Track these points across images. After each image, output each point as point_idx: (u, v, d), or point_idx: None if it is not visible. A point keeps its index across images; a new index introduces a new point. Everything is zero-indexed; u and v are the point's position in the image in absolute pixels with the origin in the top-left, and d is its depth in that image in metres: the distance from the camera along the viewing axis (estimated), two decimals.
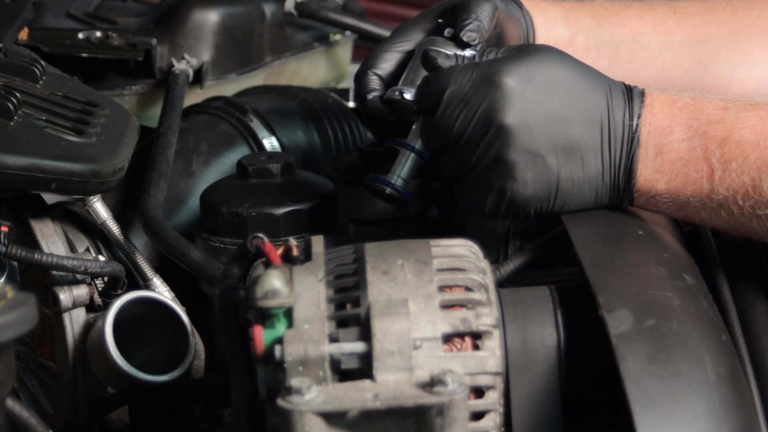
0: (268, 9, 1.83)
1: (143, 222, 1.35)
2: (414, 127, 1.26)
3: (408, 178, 1.24)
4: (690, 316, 0.97)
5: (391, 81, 1.30)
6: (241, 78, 1.78)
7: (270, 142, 1.57)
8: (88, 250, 1.38)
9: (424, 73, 1.23)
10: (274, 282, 0.96)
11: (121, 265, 1.33)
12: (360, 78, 1.31)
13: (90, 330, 1.29)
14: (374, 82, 1.31)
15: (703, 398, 0.91)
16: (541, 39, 1.38)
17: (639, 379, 0.91)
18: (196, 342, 1.30)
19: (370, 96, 1.29)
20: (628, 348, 0.93)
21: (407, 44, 1.32)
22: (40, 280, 1.32)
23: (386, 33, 1.90)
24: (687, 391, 0.91)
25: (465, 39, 1.25)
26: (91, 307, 1.32)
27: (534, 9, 1.39)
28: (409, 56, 1.30)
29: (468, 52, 1.25)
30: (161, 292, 1.36)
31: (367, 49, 2.01)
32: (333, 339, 0.96)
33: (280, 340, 0.95)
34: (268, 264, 1.01)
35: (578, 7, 1.41)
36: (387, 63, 1.31)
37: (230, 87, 1.75)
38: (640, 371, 0.92)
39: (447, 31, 1.27)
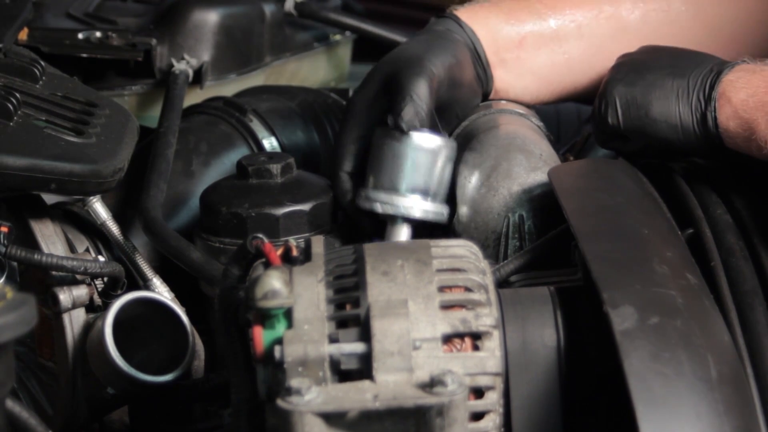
0: (268, 9, 1.83)
1: (143, 222, 1.35)
2: (388, 227, 1.29)
3: None
4: (693, 314, 0.97)
5: (362, 174, 1.32)
6: (241, 78, 1.78)
7: (270, 143, 1.56)
8: (87, 250, 1.38)
9: (386, 166, 1.27)
10: (273, 282, 0.96)
11: (121, 265, 1.33)
12: (333, 180, 1.35)
13: (90, 330, 1.29)
14: (345, 184, 1.33)
15: (706, 397, 0.91)
16: (490, 49, 1.40)
17: (642, 376, 0.91)
18: (196, 342, 1.30)
19: (343, 202, 1.34)
20: (632, 345, 0.93)
21: (363, 130, 1.33)
22: (39, 281, 1.32)
23: (386, 33, 1.91)
24: (690, 390, 0.91)
25: (404, 128, 1.26)
26: (90, 307, 1.32)
27: (475, 21, 1.40)
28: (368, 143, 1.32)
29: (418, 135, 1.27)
30: (161, 292, 1.36)
31: (367, 49, 2.02)
32: (333, 339, 0.95)
33: (279, 341, 0.95)
34: (267, 264, 1.01)
35: (516, 6, 1.43)
36: (351, 157, 1.34)
37: (230, 87, 1.75)
38: (644, 369, 0.92)
39: (389, 119, 1.27)
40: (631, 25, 1.44)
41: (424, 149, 1.27)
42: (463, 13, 1.41)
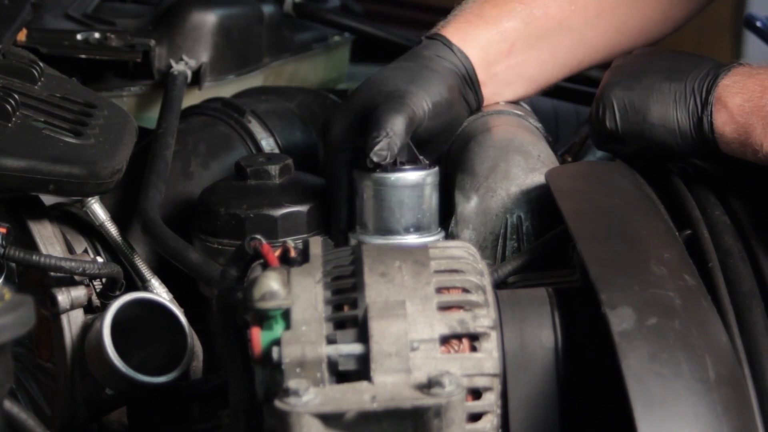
0: (267, 10, 1.83)
1: (141, 223, 1.35)
2: None
3: None
4: (691, 315, 0.97)
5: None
6: (240, 79, 1.78)
7: (268, 144, 1.57)
8: (86, 251, 1.39)
9: (374, 210, 1.25)
10: (271, 284, 0.96)
11: (119, 266, 1.33)
12: (331, 212, 1.33)
13: (88, 331, 1.29)
14: (343, 212, 1.31)
15: (704, 398, 0.91)
16: (481, 67, 1.39)
17: (641, 377, 0.91)
18: (194, 343, 1.30)
19: (337, 229, 1.32)
20: (630, 345, 0.93)
21: (344, 158, 1.31)
22: (38, 282, 1.32)
23: (385, 34, 1.91)
24: (688, 391, 0.91)
25: (375, 160, 1.23)
26: (89, 308, 1.32)
27: (465, 42, 1.39)
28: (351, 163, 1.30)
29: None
30: (159, 293, 1.36)
31: (366, 50, 2.02)
32: (330, 340, 0.95)
33: (277, 342, 0.95)
34: (265, 265, 1.01)
35: (500, 14, 1.41)
36: (341, 186, 1.31)
37: (229, 88, 1.75)
38: (642, 369, 0.92)
39: (368, 160, 1.25)
40: (606, 8, 1.44)
41: (408, 187, 1.26)
42: (453, 33, 1.39)
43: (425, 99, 1.31)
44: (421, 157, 1.29)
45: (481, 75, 1.40)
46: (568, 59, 1.45)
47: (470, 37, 1.39)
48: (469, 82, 1.39)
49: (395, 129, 1.25)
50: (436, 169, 1.29)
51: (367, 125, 1.27)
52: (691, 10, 1.50)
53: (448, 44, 1.38)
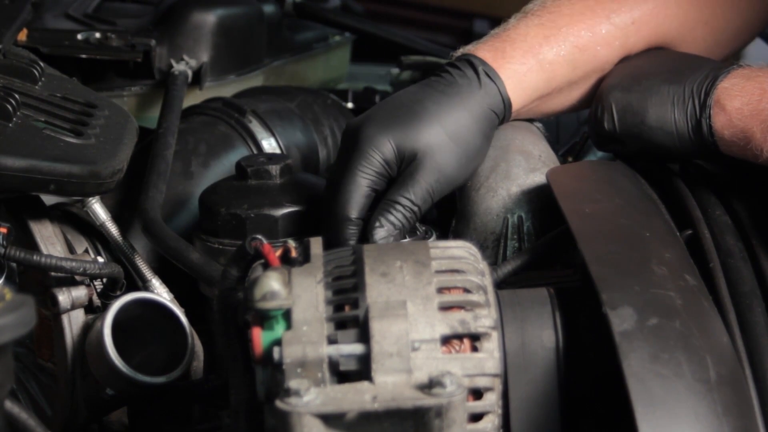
0: (267, 10, 1.83)
1: (142, 223, 1.35)
2: None
3: None
4: (692, 316, 0.97)
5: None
6: (240, 79, 1.78)
7: (269, 143, 1.57)
8: (86, 251, 1.39)
9: None
10: (272, 284, 0.96)
11: (120, 266, 1.33)
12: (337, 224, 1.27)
13: (89, 331, 1.29)
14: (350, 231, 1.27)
15: (704, 398, 0.92)
16: (517, 111, 1.32)
17: (641, 377, 0.91)
18: (195, 343, 1.30)
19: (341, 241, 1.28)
20: (631, 346, 0.93)
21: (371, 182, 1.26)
22: (38, 282, 1.32)
23: (385, 34, 1.91)
24: (689, 391, 0.91)
25: (376, 239, 1.21)
26: (89, 308, 1.32)
27: (518, 92, 1.30)
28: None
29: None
30: (160, 293, 1.36)
31: (366, 50, 2.02)
32: (331, 341, 0.96)
33: (278, 342, 0.95)
34: (266, 265, 1.01)
35: (556, 59, 1.32)
36: (357, 204, 1.26)
37: (229, 88, 1.75)
38: (643, 370, 0.92)
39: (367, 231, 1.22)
40: (658, 43, 1.37)
41: None
42: (509, 77, 1.29)
43: (464, 178, 1.28)
44: (421, 228, 1.28)
45: (514, 115, 1.34)
46: (596, 91, 1.35)
47: (523, 87, 1.31)
48: (500, 121, 1.32)
49: (411, 207, 1.23)
50: (433, 238, 1.28)
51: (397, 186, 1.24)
52: (753, 30, 1.44)
53: (503, 94, 1.29)
